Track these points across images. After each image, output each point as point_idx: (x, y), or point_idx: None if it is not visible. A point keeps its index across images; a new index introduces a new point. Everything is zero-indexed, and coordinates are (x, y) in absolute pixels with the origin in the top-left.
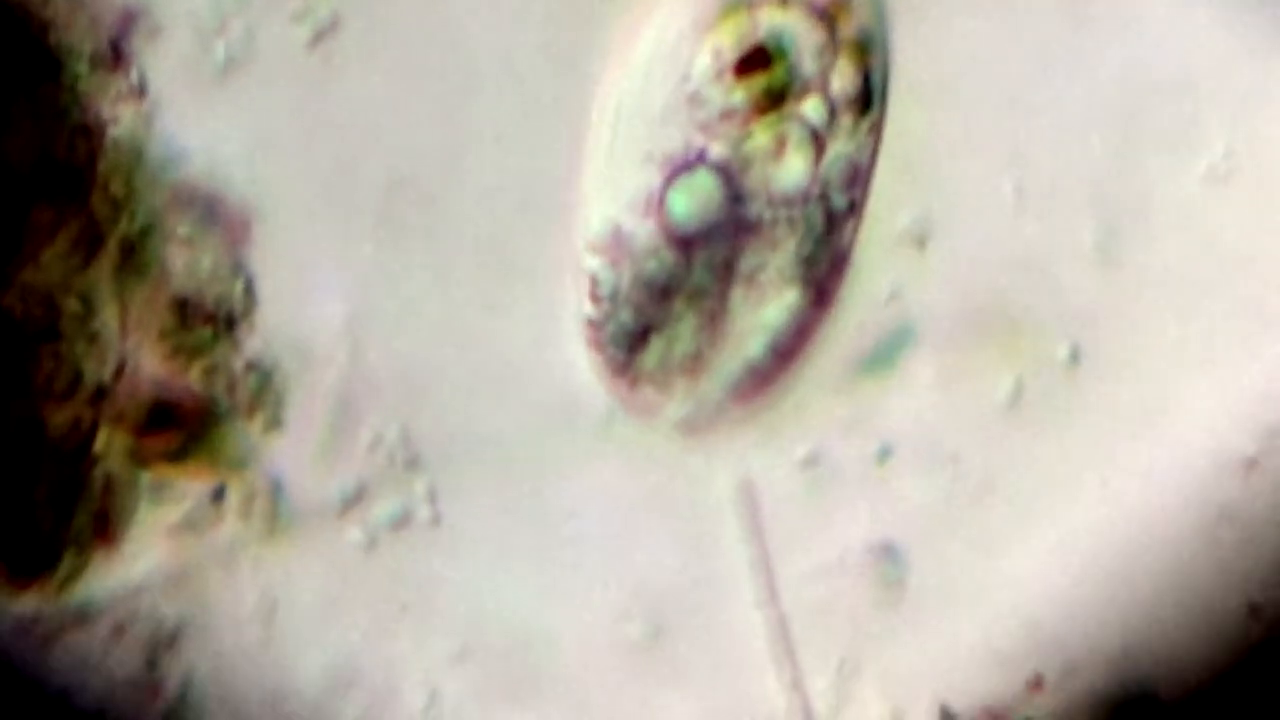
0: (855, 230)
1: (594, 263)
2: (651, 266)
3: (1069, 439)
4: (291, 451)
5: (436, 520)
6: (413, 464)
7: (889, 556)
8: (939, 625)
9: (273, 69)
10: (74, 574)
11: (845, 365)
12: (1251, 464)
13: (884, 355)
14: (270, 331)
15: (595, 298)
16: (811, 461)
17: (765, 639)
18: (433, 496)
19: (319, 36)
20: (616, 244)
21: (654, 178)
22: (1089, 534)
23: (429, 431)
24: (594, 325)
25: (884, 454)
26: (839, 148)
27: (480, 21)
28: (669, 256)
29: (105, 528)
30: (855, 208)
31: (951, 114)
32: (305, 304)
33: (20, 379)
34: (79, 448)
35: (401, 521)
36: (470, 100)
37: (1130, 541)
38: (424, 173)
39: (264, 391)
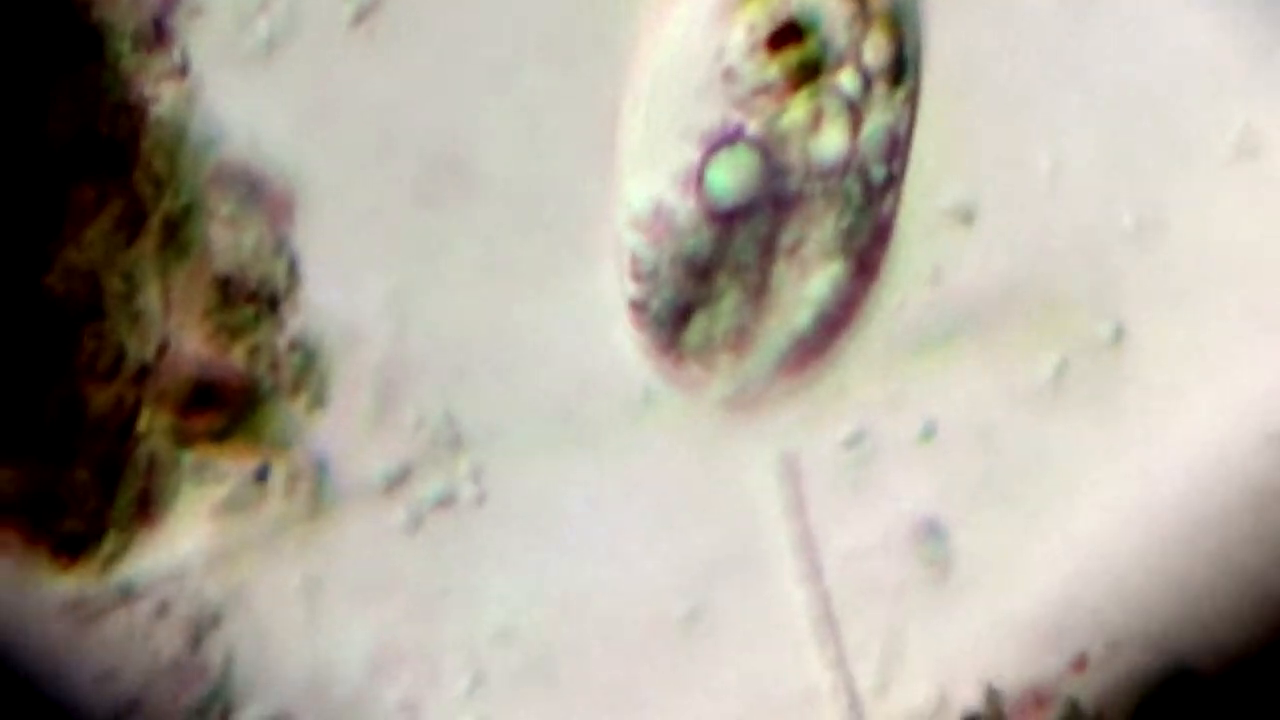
0: (896, 201)
1: (634, 240)
2: (692, 243)
3: (1113, 417)
4: (335, 431)
5: (480, 500)
6: (456, 443)
7: (933, 535)
8: (983, 604)
9: (315, 47)
10: (117, 554)
11: (890, 343)
12: None
13: (932, 337)
14: (313, 311)
15: (637, 276)
16: (855, 440)
17: (809, 617)
18: (477, 476)
19: (361, 14)
20: (657, 221)
21: (692, 154)
22: (1133, 512)
23: (473, 410)
24: (636, 304)
25: (928, 432)
26: (876, 118)
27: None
28: (709, 233)
29: (148, 507)
30: (895, 179)
31: (988, 91)
32: (348, 283)
33: (63, 358)
34: (122, 427)
35: (446, 501)
36: (511, 78)
37: (1173, 519)
38: (466, 151)
39: (307, 371)
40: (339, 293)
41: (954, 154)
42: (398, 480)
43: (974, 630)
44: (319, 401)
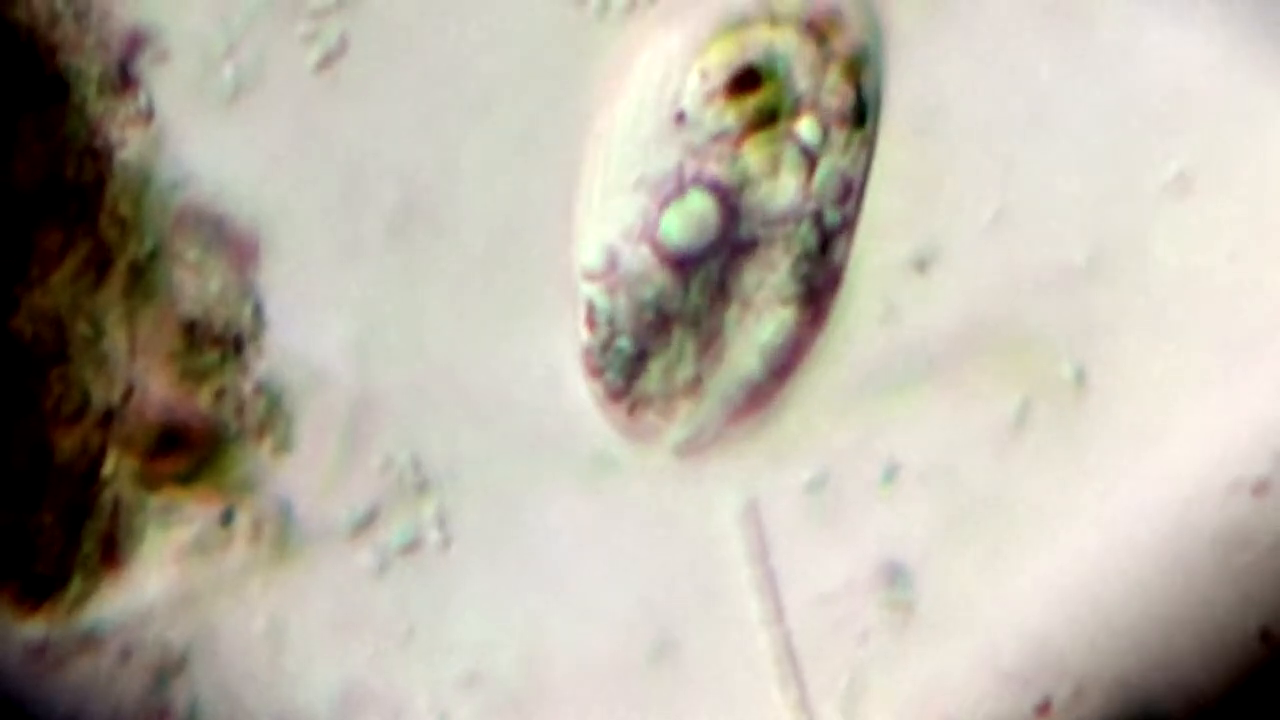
0: (849, 246)
1: (589, 289)
2: (647, 291)
3: (1076, 459)
4: (301, 475)
5: (446, 544)
6: (422, 486)
7: (896, 578)
8: (946, 648)
9: (281, 92)
10: (82, 597)
11: (851, 386)
12: (1262, 486)
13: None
14: (279, 354)
15: (592, 324)
16: (818, 483)
17: (771, 660)
18: (442, 519)
19: (326, 60)
20: (611, 270)
21: (647, 202)
22: (1097, 555)
23: (439, 454)
24: (591, 352)
25: (890, 475)
26: (831, 162)
27: (485, 45)
28: (664, 280)
29: (113, 551)
30: (849, 223)
31: (947, 137)
32: (313, 327)
33: (29, 402)
34: (87, 471)
35: (411, 545)
36: (476, 123)
37: (1139, 563)
38: (430, 196)
39: (273, 414)
40: (304, 337)
41: (911, 197)
42: (364, 524)
43: (937, 673)
44: (284, 445)
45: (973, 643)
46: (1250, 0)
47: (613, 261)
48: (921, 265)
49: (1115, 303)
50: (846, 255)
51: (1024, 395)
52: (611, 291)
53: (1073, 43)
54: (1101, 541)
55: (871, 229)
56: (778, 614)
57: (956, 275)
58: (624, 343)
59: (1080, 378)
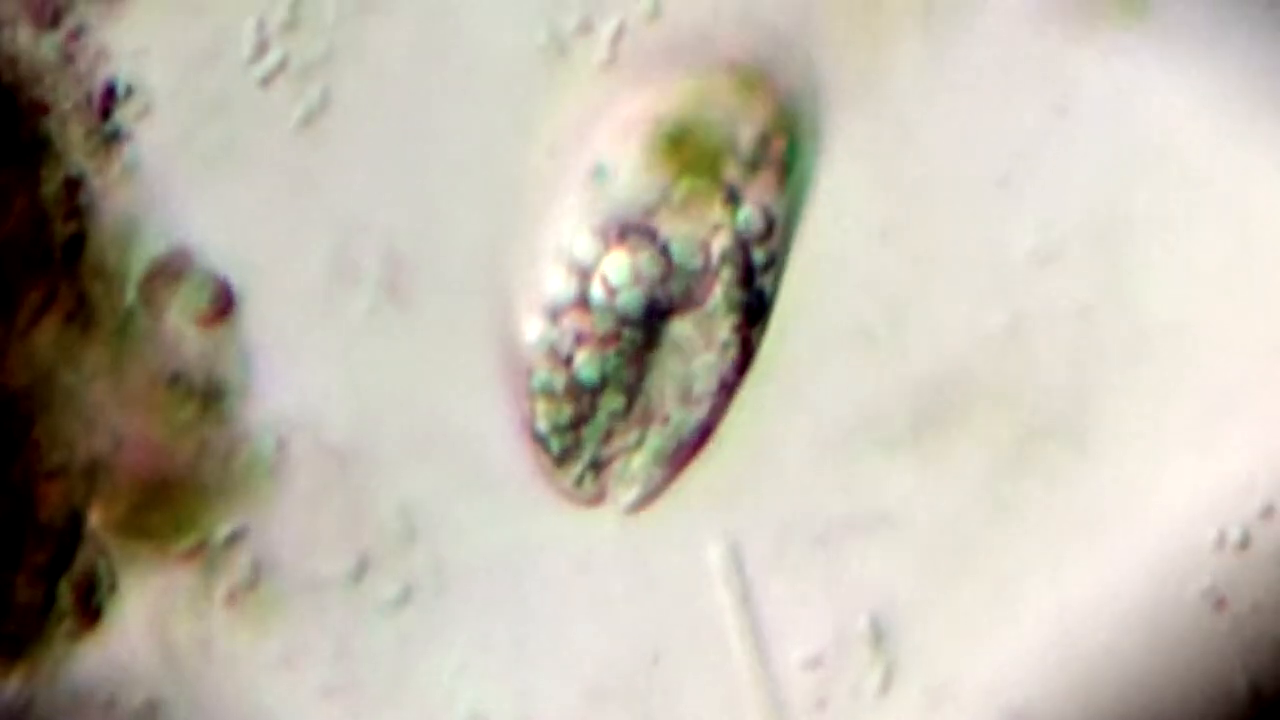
0: (778, 287)
1: (532, 360)
2: (580, 362)
3: (1054, 519)
4: (285, 527)
5: (437, 592)
6: (411, 535)
7: (871, 636)
8: (923, 712)
9: (263, 148)
10: (61, 652)
11: (833, 440)
12: (1243, 544)
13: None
14: (262, 406)
15: (531, 397)
16: (799, 537)
17: (754, 710)
18: (432, 568)
19: (309, 117)
20: (541, 347)
21: (578, 269)
22: (1078, 616)
23: (426, 503)
24: (526, 424)
25: (873, 530)
26: (756, 227)
27: (466, 101)
28: (597, 350)
29: (93, 604)
30: (775, 264)
31: (933, 198)
32: (296, 379)
33: (12, 455)
34: (70, 524)
35: (401, 595)
36: (456, 179)
37: (1122, 623)
38: (412, 249)
39: (256, 466)
40: (288, 389)
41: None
42: (352, 574)
43: None
44: (269, 496)
45: (951, 705)
46: (1231, 55)
47: (542, 339)
48: (896, 320)
49: (1101, 357)
50: (774, 296)
51: (1009, 451)
52: (549, 365)
53: (1058, 101)
54: (1081, 602)
55: (853, 276)
56: (754, 675)
57: (940, 326)
58: (560, 418)
59: (1059, 438)
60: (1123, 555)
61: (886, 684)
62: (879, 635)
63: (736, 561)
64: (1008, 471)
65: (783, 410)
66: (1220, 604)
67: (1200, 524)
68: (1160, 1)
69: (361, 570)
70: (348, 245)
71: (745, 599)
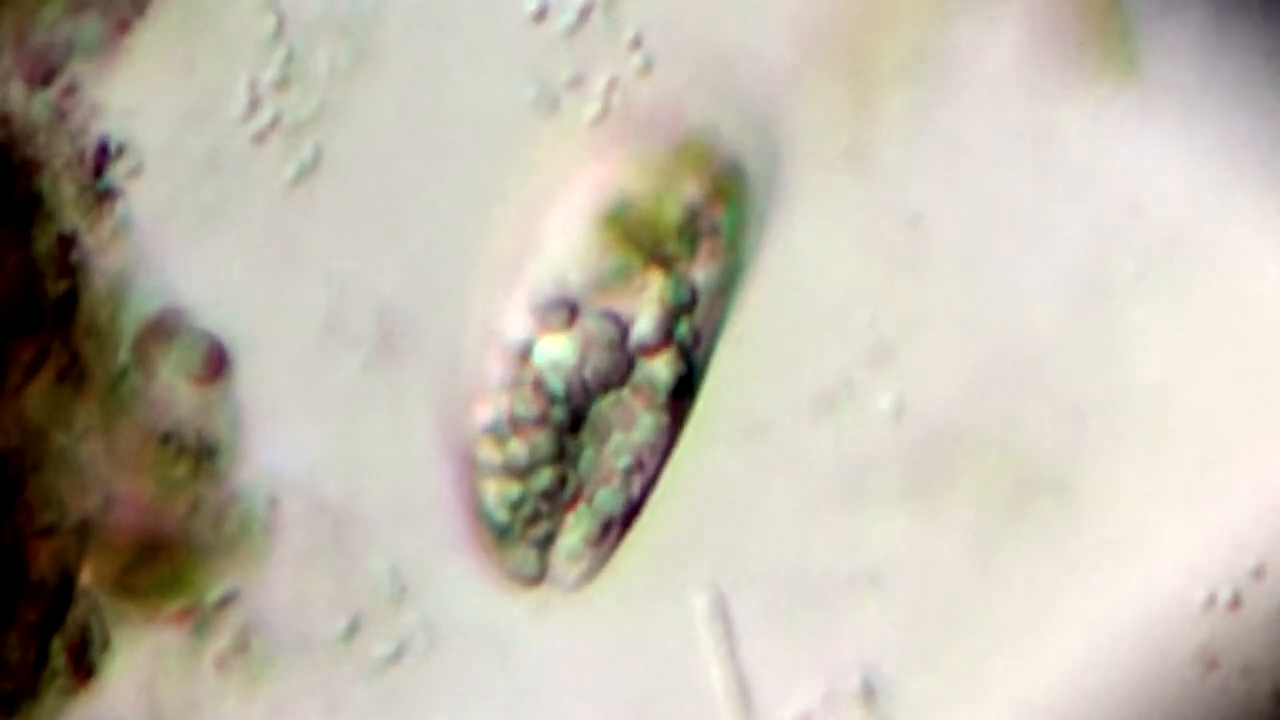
0: (710, 355)
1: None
2: (515, 451)
3: (1046, 578)
4: (277, 587)
5: (429, 649)
6: (401, 594)
7: (868, 694)
8: None
9: (257, 205)
10: (54, 711)
11: (824, 498)
12: (1235, 604)
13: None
14: (254, 465)
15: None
16: (777, 599)
17: None
18: (425, 629)
19: (302, 174)
20: (494, 425)
21: (506, 355)
22: (1073, 673)
23: (416, 561)
24: (476, 516)
25: (862, 585)
26: (698, 307)
27: (458, 157)
28: (537, 433)
29: (86, 663)
30: (708, 334)
31: (918, 257)
32: (288, 438)
33: (4, 513)
34: (62, 582)
35: (396, 652)
36: (449, 236)
37: (1113, 684)
38: (405, 308)
39: (248, 526)
40: (279, 448)
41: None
42: (344, 635)
43: None
44: (261, 556)
45: None
46: (1219, 115)
47: (493, 420)
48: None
49: (1090, 416)
50: (704, 369)
51: (999, 509)
52: (489, 439)
53: (1045, 161)
54: (1077, 658)
55: (839, 333)
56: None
57: (930, 383)
58: (507, 490)
59: (1051, 498)
60: (1113, 615)
61: None
62: (872, 693)
63: (724, 620)
64: (997, 530)
65: (772, 466)
66: (1212, 664)
67: (1191, 584)
68: (1148, 61)
69: (353, 630)
70: (340, 304)
71: (732, 657)
